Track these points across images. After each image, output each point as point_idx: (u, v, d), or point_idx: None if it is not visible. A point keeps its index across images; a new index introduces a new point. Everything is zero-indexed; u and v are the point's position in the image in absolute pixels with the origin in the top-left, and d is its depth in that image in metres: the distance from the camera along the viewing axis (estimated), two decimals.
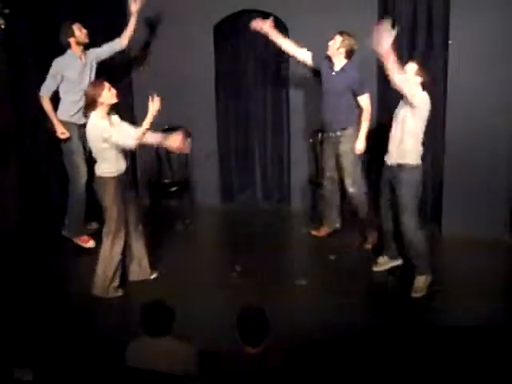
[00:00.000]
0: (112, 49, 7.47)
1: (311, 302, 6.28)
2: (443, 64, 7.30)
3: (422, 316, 6.03)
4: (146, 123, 6.02)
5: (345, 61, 7.02)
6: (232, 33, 8.23)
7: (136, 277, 6.58)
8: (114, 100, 6.11)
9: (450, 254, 7.30)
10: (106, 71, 7.85)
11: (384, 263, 6.69)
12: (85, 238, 7.35)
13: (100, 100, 6.01)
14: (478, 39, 7.01)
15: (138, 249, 6.54)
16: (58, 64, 7.15)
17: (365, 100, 7.03)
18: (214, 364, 4.49)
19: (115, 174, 6.17)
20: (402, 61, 6.20)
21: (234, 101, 8.46)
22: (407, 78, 5.97)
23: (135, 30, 7.52)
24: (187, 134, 6.49)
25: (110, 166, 6.15)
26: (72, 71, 7.17)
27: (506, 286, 6.63)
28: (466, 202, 7.31)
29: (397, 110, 6.21)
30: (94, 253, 6.83)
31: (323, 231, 7.58)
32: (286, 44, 7.24)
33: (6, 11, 7.45)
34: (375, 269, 6.71)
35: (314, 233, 7.63)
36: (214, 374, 4.48)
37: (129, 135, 6.09)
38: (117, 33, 7.82)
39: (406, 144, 6.09)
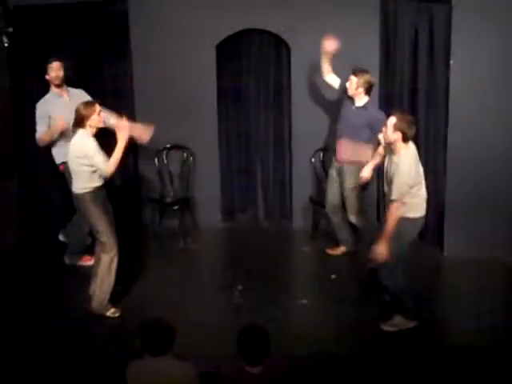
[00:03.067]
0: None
1: (312, 322, 6.23)
2: (445, 84, 7.23)
3: (424, 336, 5.96)
4: (117, 153, 5.99)
5: (366, 98, 6.97)
6: (234, 52, 8.23)
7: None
8: (101, 125, 6.09)
9: (451, 275, 7.26)
10: (109, 89, 7.85)
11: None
12: (87, 257, 7.27)
13: (87, 122, 6.00)
14: (479, 59, 6.99)
15: None
16: (42, 106, 7.08)
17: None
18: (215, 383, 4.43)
19: (89, 190, 6.09)
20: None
21: (236, 120, 8.47)
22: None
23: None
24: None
25: (85, 183, 6.07)
26: (57, 111, 6.98)
27: (506, 306, 6.54)
28: (468, 224, 7.27)
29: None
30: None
31: (339, 251, 7.53)
32: (327, 66, 7.16)
33: (10, 30, 7.51)
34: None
35: (330, 252, 7.56)
36: None
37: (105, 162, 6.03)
38: (119, 54, 7.92)
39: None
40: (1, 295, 6.73)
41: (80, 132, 6.04)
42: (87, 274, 6.71)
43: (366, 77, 6.89)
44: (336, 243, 7.56)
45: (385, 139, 5.82)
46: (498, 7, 6.89)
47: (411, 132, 5.66)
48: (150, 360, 4.46)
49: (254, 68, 8.28)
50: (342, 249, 7.51)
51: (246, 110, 8.39)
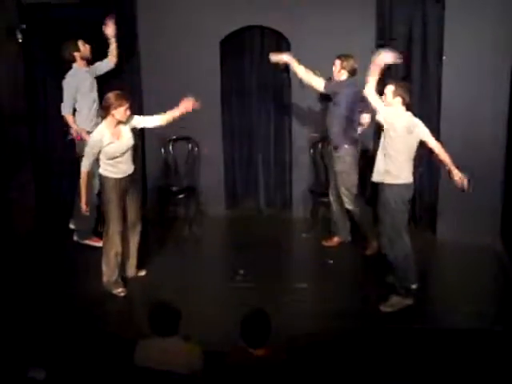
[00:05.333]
0: (107, 67, 7.48)
1: (311, 304, 6.28)
2: (437, 79, 7.28)
3: (417, 318, 5.99)
4: (171, 114, 6.38)
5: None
6: (237, 49, 8.22)
7: (126, 273, 6.65)
8: (123, 119, 6.12)
9: (443, 259, 7.30)
10: (119, 81, 7.85)
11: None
12: (95, 238, 7.36)
13: (112, 112, 6.04)
14: (470, 55, 7.03)
15: (131, 247, 6.60)
16: (72, 80, 7.20)
17: (366, 119, 7.00)
18: (219, 364, 4.47)
19: (115, 176, 6.22)
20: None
21: (239, 113, 8.43)
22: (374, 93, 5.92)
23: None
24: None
25: (109, 168, 6.21)
26: (84, 84, 7.22)
27: (496, 290, 6.61)
28: (460, 210, 7.28)
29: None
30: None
31: (334, 242, 7.50)
32: (302, 72, 7.00)
33: (23, 26, 7.52)
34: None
35: (325, 243, 7.52)
36: (219, 374, 4.45)
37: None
38: (128, 51, 7.95)
39: (385, 164, 5.95)
40: (17, 276, 6.76)
41: (103, 122, 6.15)
42: (98, 257, 6.79)
43: (350, 61, 6.87)
44: (331, 235, 7.53)
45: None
46: (489, 5, 6.93)
47: (408, 97, 5.85)
48: (157, 340, 4.50)
49: (256, 63, 8.23)
50: (336, 239, 7.47)
51: (248, 104, 8.36)
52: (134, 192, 6.53)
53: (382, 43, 7.29)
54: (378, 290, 6.32)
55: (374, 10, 7.58)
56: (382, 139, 6.00)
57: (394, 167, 5.88)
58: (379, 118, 5.97)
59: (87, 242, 7.42)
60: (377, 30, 7.62)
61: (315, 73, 6.99)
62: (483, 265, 6.97)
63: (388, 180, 5.92)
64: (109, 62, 7.45)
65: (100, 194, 6.59)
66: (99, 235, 7.22)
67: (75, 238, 7.49)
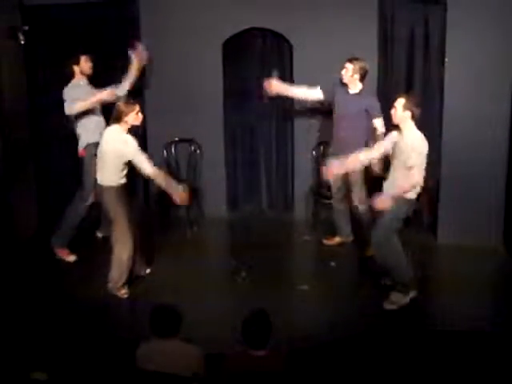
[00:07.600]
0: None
1: (312, 307, 6.28)
2: (440, 80, 7.29)
3: (418, 320, 6.02)
4: (165, 184, 6.24)
5: (360, 84, 6.94)
6: (239, 50, 8.21)
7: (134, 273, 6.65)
8: (137, 123, 6.20)
9: (444, 262, 7.28)
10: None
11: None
12: (66, 251, 7.23)
13: (125, 118, 6.08)
14: (472, 57, 7.03)
15: (138, 247, 6.61)
16: (71, 91, 7.01)
17: (379, 123, 6.93)
18: (220, 366, 4.45)
19: (117, 184, 6.20)
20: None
21: (241, 114, 8.42)
22: None
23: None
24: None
25: (114, 177, 6.17)
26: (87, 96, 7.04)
27: (497, 292, 6.62)
28: (461, 212, 7.29)
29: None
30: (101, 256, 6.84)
31: (335, 241, 7.53)
32: (296, 92, 7.19)
33: (26, 28, 7.53)
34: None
35: (325, 242, 7.56)
36: (220, 375, 4.44)
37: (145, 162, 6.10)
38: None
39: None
40: (19, 279, 6.77)
41: (114, 127, 6.12)
42: (98, 261, 6.82)
43: (361, 63, 6.85)
44: (332, 234, 7.56)
45: (394, 120, 5.94)
46: (491, 6, 6.93)
47: (418, 111, 5.90)
48: (158, 342, 4.50)
49: (258, 65, 8.23)
50: (337, 239, 7.51)
51: (250, 105, 8.34)
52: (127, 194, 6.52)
53: None
54: (379, 291, 6.32)
55: (376, 11, 7.60)
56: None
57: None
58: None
59: (58, 251, 7.23)
60: (379, 31, 7.64)
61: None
62: (485, 267, 6.94)
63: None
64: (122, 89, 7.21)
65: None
66: (71, 249, 7.22)
67: (52, 241, 7.27)
